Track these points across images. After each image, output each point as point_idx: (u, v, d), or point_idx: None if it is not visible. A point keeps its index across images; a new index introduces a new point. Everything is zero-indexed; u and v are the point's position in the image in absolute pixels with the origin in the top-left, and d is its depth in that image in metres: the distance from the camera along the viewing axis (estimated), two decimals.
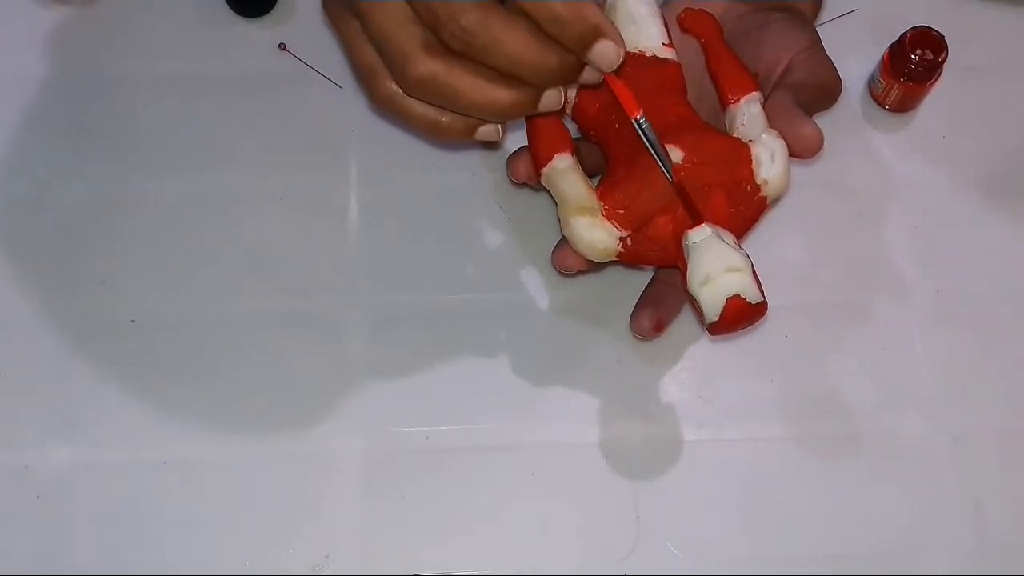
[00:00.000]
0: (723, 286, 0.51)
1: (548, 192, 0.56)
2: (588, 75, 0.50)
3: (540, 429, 0.58)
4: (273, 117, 0.63)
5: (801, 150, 0.54)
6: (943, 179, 0.64)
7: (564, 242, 0.55)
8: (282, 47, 0.64)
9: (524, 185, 0.59)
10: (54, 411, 0.57)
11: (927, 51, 0.62)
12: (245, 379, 0.58)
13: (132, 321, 0.59)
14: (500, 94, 0.48)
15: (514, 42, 0.47)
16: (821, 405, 0.59)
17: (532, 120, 0.57)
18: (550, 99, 0.50)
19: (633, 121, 0.52)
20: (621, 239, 0.54)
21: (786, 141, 0.54)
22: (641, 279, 0.59)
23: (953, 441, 0.59)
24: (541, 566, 0.56)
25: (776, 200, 0.55)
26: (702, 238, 0.52)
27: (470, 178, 0.62)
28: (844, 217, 0.63)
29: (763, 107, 0.55)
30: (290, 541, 0.55)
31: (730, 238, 0.52)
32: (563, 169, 0.55)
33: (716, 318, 0.51)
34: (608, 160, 0.57)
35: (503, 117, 0.50)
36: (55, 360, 0.58)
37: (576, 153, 0.56)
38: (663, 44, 0.57)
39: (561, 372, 0.59)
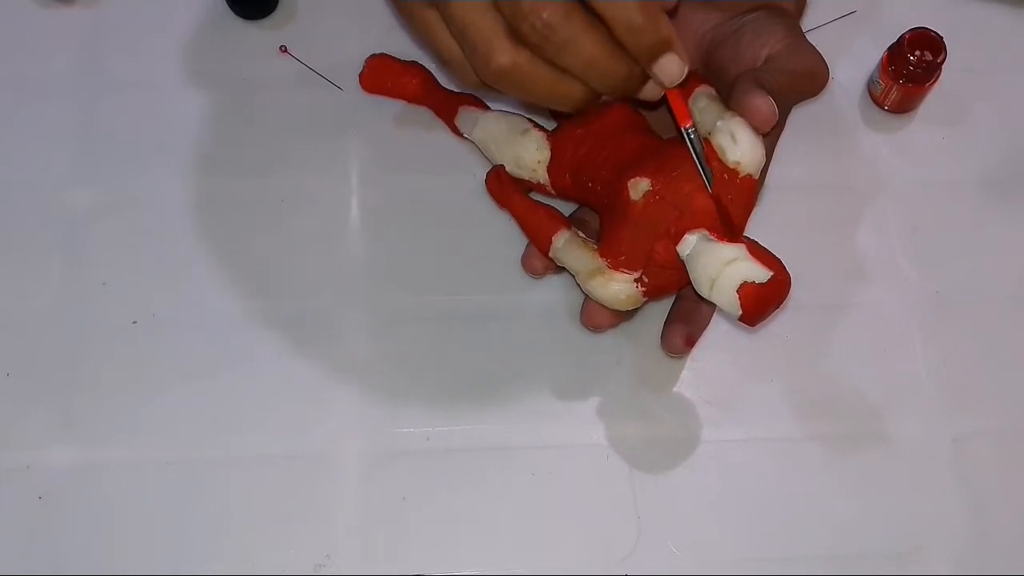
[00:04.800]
0: (727, 281, 0.51)
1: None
2: (649, 91, 0.51)
3: (540, 429, 0.58)
4: (274, 119, 0.63)
5: (752, 123, 0.52)
6: (943, 179, 0.64)
7: (588, 302, 0.56)
8: (283, 49, 0.65)
9: (546, 274, 0.59)
10: (55, 411, 0.57)
11: (926, 52, 0.62)
12: (245, 379, 0.58)
13: (133, 322, 0.59)
14: (575, 88, 0.49)
15: (590, 43, 0.47)
16: (821, 405, 0.59)
17: (516, 215, 0.58)
18: (651, 91, 0.51)
19: (683, 131, 0.52)
20: (637, 280, 0.54)
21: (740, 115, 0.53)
22: None
23: (953, 441, 0.59)
24: (541, 566, 0.56)
25: (761, 172, 0.54)
26: (691, 247, 0.52)
27: (470, 179, 0.62)
28: (844, 217, 0.63)
29: (716, 97, 0.55)
30: (290, 541, 0.55)
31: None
32: (562, 246, 0.56)
33: (740, 311, 0.51)
34: (600, 217, 0.58)
35: (574, 109, 0.51)
36: (56, 360, 0.58)
37: (574, 225, 0.57)
38: None
39: (561, 373, 0.59)
